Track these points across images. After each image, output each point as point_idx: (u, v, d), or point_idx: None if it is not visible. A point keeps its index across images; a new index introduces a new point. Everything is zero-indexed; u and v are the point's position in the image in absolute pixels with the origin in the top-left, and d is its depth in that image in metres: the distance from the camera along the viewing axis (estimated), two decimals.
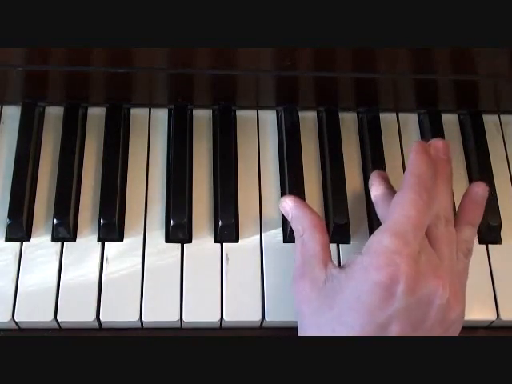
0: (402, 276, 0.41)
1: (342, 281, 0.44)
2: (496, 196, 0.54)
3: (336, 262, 0.52)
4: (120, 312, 0.49)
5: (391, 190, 0.50)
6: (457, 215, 0.49)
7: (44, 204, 0.53)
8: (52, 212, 0.51)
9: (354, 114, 0.59)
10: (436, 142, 0.50)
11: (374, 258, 0.43)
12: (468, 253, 0.48)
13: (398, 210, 0.44)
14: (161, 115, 0.57)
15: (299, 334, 0.46)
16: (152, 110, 0.58)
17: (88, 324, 0.49)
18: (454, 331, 0.45)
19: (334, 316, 0.43)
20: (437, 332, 0.43)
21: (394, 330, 0.42)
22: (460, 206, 0.50)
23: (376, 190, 0.50)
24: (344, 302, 0.43)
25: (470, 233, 0.49)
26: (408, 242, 0.43)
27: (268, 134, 0.57)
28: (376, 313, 0.42)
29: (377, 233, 0.44)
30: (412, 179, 0.46)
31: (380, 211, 0.49)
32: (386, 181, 0.51)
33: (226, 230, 0.52)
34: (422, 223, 0.44)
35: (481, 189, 0.50)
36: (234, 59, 0.52)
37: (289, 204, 0.50)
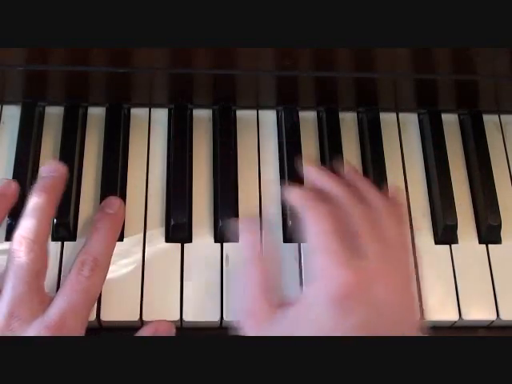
0: (346, 285, 0.41)
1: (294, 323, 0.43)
2: (496, 196, 0.54)
3: None
4: (120, 312, 0.49)
5: None
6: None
7: None
8: None
9: (354, 114, 0.59)
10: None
11: (317, 284, 0.42)
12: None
13: (312, 230, 0.44)
14: (161, 115, 0.57)
15: None
16: (152, 109, 0.58)
17: (88, 324, 0.49)
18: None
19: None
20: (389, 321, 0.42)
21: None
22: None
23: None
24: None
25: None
26: (336, 252, 0.43)
27: (268, 133, 0.57)
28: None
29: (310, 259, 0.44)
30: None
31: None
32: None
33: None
34: (337, 231, 0.44)
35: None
36: (234, 59, 0.52)
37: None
